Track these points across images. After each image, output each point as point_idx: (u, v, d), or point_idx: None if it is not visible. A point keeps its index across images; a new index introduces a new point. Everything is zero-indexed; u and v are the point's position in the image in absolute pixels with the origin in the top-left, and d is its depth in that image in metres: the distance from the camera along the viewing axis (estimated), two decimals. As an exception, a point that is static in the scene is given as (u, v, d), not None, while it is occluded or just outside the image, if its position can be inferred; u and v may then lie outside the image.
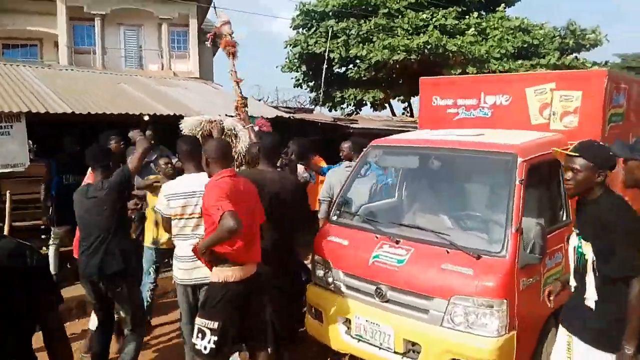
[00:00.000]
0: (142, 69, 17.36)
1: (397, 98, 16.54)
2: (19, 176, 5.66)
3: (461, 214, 3.72)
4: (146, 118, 5.78)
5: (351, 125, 7.65)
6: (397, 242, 3.38)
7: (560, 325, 2.62)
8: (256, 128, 4.80)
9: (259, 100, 12.29)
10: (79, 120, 5.80)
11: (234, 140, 4.46)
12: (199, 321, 3.00)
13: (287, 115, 7.91)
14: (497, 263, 3.00)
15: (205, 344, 2.94)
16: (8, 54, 17.50)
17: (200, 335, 2.97)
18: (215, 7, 4.39)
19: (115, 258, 3.42)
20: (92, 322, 4.11)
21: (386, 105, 16.99)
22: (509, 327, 2.93)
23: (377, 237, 3.51)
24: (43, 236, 5.72)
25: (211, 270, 3.02)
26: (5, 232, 5.00)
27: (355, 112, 16.19)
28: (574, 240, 2.50)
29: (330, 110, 16.51)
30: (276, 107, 9.96)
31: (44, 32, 17.65)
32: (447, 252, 3.16)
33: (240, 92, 4.92)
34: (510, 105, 4.27)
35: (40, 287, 1.72)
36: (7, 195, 5.16)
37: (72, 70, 9.80)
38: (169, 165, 4.86)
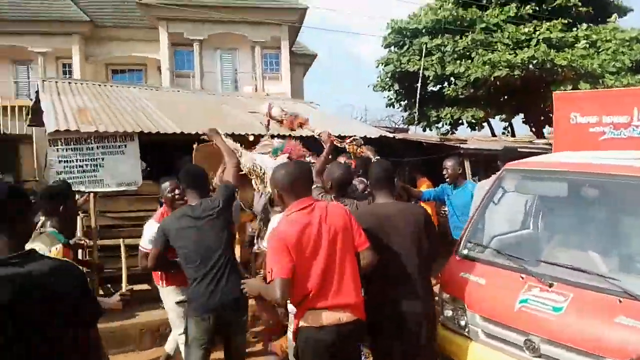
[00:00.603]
0: (236, 90, 17.92)
1: (498, 117, 15.63)
2: (132, 194, 5.77)
3: (626, 253, 3.10)
4: (251, 138, 5.64)
5: (461, 145, 7.13)
6: (550, 285, 2.85)
7: None
8: (284, 156, 4.26)
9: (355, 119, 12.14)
10: (185, 140, 5.81)
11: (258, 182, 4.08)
12: None
13: (391, 135, 7.56)
14: (693, 320, 2.39)
15: None
16: (116, 78, 18.87)
17: None
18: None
19: (238, 280, 3.11)
20: (170, 344, 3.97)
21: (484, 124, 16.09)
22: None
23: (522, 278, 3.00)
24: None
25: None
26: None
27: (451, 132, 15.49)
28: None
29: (424, 130, 15.96)
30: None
31: (148, 58, 18.87)
32: (620, 301, 2.60)
33: (347, 141, 4.39)
34: (675, 123, 3.60)
35: (75, 308, 1.58)
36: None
37: (178, 91, 10.16)
38: None
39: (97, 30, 18.35)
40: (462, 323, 3.21)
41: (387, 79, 16.10)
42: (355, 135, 4.44)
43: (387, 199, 3.11)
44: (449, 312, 3.33)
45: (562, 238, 3.56)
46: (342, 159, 4.20)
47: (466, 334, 3.17)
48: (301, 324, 2.58)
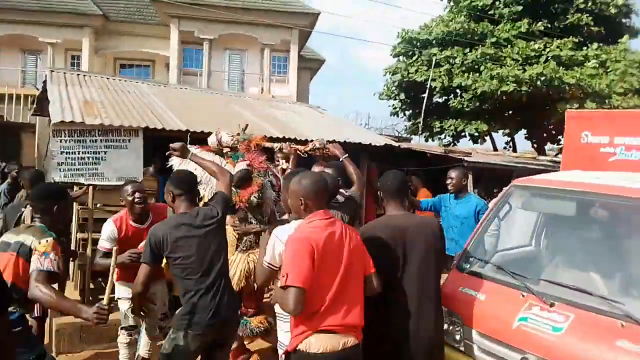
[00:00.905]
0: (243, 91, 17.93)
1: (501, 131, 15.63)
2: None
3: (630, 276, 3.06)
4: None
5: (465, 158, 7.09)
6: (552, 305, 2.81)
7: None
8: (244, 164, 4.10)
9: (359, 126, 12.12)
10: (192, 138, 5.78)
11: None
12: None
13: (396, 144, 7.53)
14: (696, 348, 2.35)
15: None
16: (124, 73, 18.90)
17: None
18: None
19: (233, 293, 3.03)
20: (142, 348, 3.85)
21: (486, 138, 16.09)
22: None
23: (523, 296, 2.96)
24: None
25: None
26: None
27: (453, 144, 15.50)
28: None
29: (426, 140, 15.96)
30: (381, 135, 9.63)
31: (157, 54, 18.92)
32: (622, 325, 2.55)
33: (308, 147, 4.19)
34: (687, 147, 3.57)
35: None
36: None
37: (186, 89, 10.15)
38: None
39: (108, 24, 18.41)
40: (457, 337, 3.17)
41: (394, 88, 16.12)
42: (314, 140, 4.13)
43: (399, 211, 2.97)
44: (444, 325, 3.28)
45: (565, 257, 3.52)
46: (316, 169, 3.83)
47: (461, 349, 3.13)
48: (300, 347, 2.36)
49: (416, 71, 14.99)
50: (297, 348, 2.36)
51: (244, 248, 4.06)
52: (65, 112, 5.75)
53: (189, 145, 3.85)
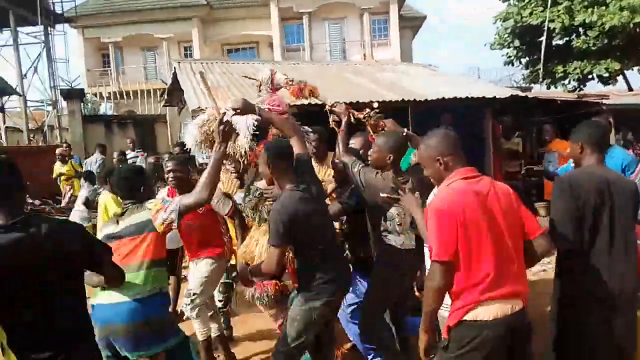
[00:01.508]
0: (345, 60, 17.94)
1: (636, 68, 13.97)
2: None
3: None
4: (375, 105, 5.58)
5: (603, 101, 6.46)
6: None
7: None
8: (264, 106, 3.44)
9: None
10: (315, 112, 5.94)
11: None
12: None
13: (522, 94, 7.10)
14: None
15: None
16: (232, 57, 19.81)
17: None
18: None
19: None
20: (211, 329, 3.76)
21: (618, 78, 14.47)
22: None
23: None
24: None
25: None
26: None
27: (579, 89, 14.17)
28: None
29: (548, 88, 14.75)
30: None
31: (259, 35, 19.58)
32: None
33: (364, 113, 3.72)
34: None
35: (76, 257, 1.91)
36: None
37: (297, 64, 10.43)
38: None
39: (212, 12, 19.39)
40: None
41: (506, 35, 15.07)
42: (373, 104, 3.73)
43: (600, 165, 2.63)
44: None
45: None
46: (359, 138, 3.63)
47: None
48: (467, 317, 2.15)
49: (530, 14, 13.85)
50: (464, 319, 2.16)
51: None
52: (200, 99, 6.20)
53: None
